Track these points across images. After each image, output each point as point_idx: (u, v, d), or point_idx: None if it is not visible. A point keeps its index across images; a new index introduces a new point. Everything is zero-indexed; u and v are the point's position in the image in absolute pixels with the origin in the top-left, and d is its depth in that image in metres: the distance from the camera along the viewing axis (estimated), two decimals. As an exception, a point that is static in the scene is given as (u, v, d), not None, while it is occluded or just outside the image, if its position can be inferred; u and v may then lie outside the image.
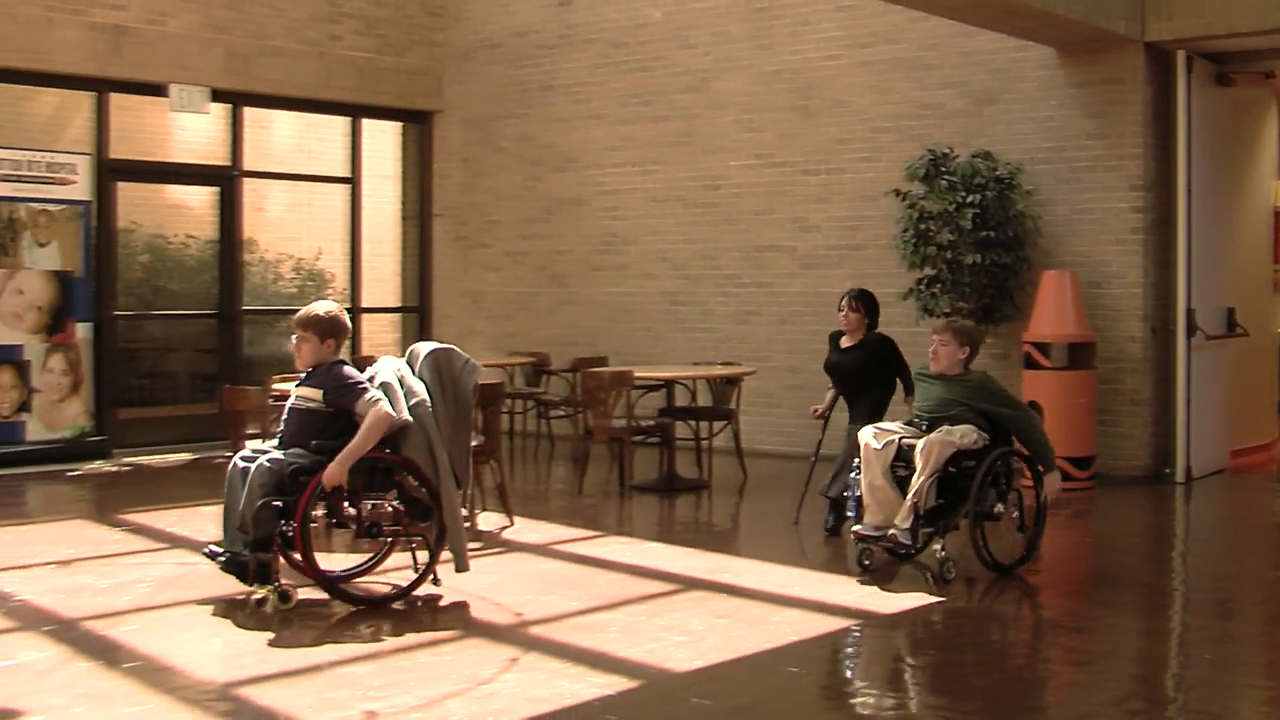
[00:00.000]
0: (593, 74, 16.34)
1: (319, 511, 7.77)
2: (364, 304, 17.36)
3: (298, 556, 7.75)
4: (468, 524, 10.18)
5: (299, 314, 8.15)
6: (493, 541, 9.88)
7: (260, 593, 7.70)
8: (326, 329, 8.04)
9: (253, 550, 7.59)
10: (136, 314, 15.60)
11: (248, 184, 16.35)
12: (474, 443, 10.11)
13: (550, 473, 13.90)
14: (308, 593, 7.90)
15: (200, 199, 16.54)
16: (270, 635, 7.26)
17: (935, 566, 8.52)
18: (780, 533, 10.44)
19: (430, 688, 6.29)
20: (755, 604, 8.01)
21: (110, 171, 14.97)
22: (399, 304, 18.02)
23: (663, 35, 15.73)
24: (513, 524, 10.35)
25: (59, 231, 14.10)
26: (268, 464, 7.67)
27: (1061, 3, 11.53)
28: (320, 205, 17.78)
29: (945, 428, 8.60)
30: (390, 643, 7.18)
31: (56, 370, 14.06)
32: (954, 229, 12.54)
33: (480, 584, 8.37)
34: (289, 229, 17.70)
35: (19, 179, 13.90)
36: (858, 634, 7.62)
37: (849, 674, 7.13)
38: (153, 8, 15.18)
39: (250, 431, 10.33)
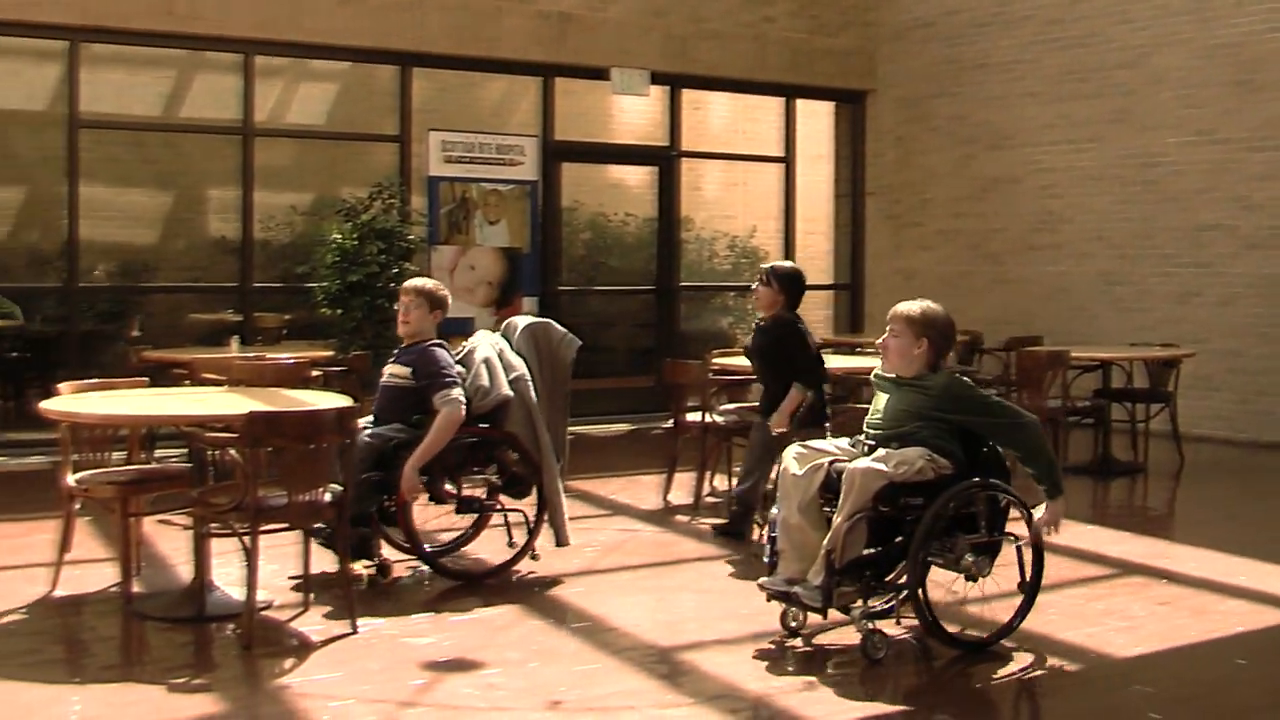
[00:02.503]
0: (1027, 51, 16.14)
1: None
2: (798, 281, 17.54)
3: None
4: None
5: (410, 281, 8.23)
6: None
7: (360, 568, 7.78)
8: (436, 300, 8.04)
9: (352, 525, 7.46)
10: (579, 289, 16.20)
11: (685, 164, 16.75)
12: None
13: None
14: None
15: (639, 178, 17.06)
16: (711, 603, 7.49)
17: (862, 639, 6.45)
18: (1222, 520, 10.20)
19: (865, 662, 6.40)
20: (1197, 592, 7.86)
21: (555, 153, 15.54)
22: (831, 282, 18.18)
23: (1099, 11, 15.42)
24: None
25: (508, 210, 14.73)
26: (369, 439, 7.61)
27: None
28: (754, 184, 18.10)
29: (882, 452, 6.58)
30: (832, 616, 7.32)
31: (505, 342, 14.68)
32: None
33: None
34: (724, 207, 18.10)
35: (471, 160, 14.56)
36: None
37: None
38: (594, -6, 15.73)
39: (690, 404, 10.57)
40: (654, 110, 16.67)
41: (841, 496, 6.38)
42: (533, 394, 8.06)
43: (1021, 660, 6.44)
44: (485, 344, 8.15)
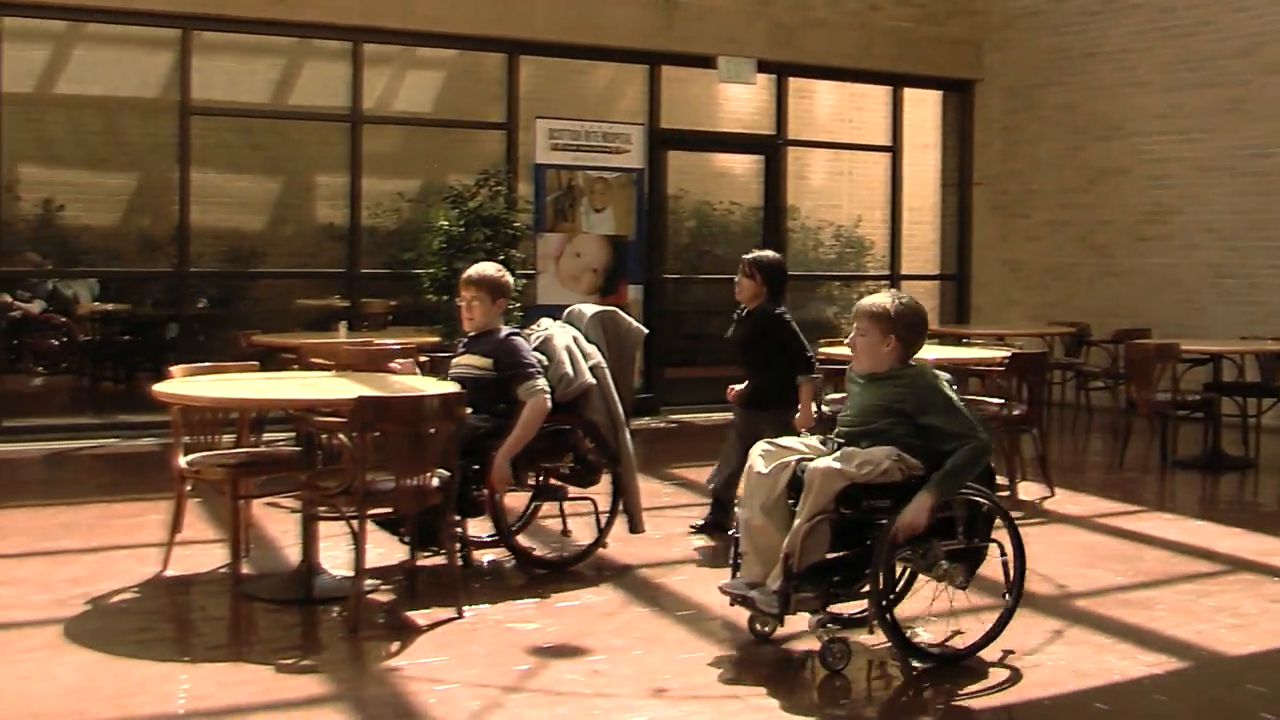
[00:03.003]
0: (1138, 40, 15.93)
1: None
2: (903, 271, 17.47)
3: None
4: (1006, 494, 10.20)
5: (468, 274, 7.97)
6: (1033, 512, 9.83)
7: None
8: (498, 289, 7.89)
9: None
10: (684, 277, 16.21)
11: (791, 152, 16.68)
12: (1015, 411, 10.19)
13: (1088, 444, 13.73)
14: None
15: (745, 167, 17.04)
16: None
17: (820, 648, 6.08)
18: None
19: (977, 654, 6.30)
20: (1310, 590, 7.76)
21: (661, 141, 15.53)
22: (937, 272, 18.05)
23: (1213, -2, 15.23)
24: (1053, 495, 10.28)
25: (614, 198, 14.72)
26: None
27: None
28: (860, 174, 18.03)
29: (846, 450, 6.15)
30: (937, 607, 7.26)
31: (610, 331, 14.71)
32: None
33: (1022, 554, 8.38)
34: (829, 197, 18.05)
35: (577, 148, 14.57)
36: None
37: None
38: (702, -19, 15.70)
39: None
40: (760, 98, 16.63)
41: (801, 497, 6.03)
42: (610, 381, 8.06)
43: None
44: (560, 331, 8.08)
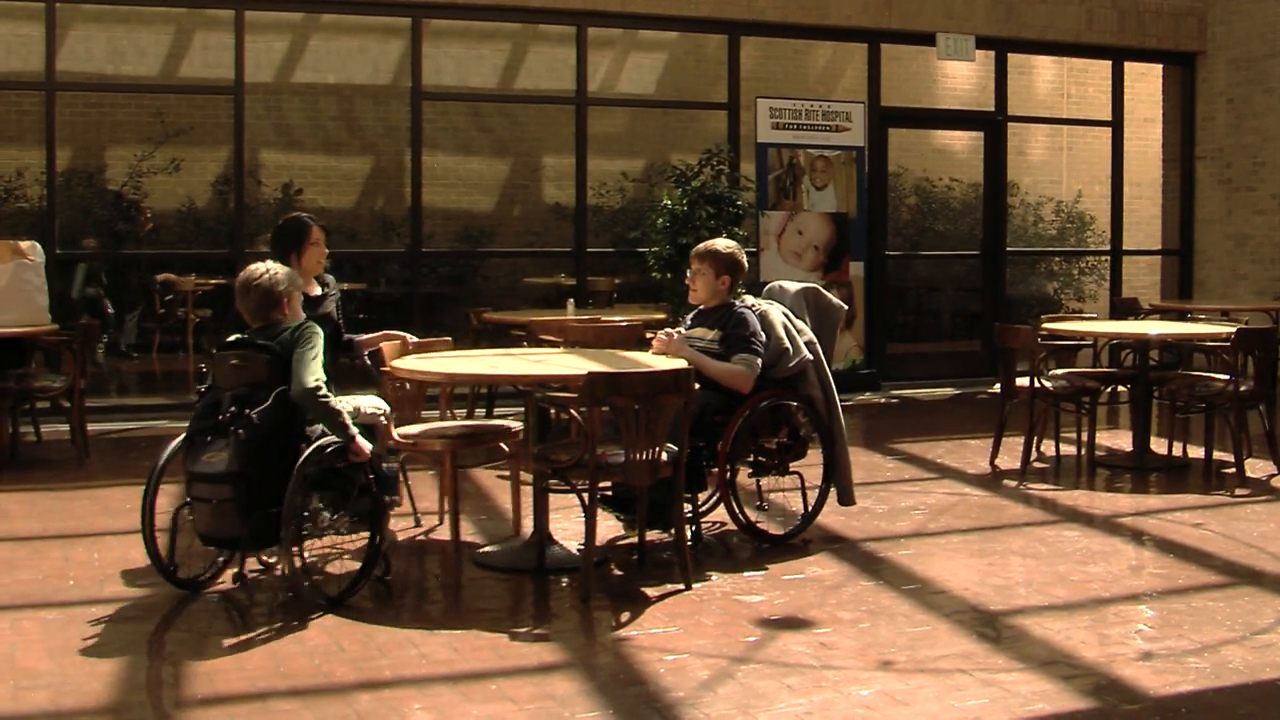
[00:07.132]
0: (1372, 6, 15.50)
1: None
2: (1125, 246, 17.20)
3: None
4: (1233, 469, 10.08)
5: (697, 248, 8.03)
6: (1260, 489, 9.68)
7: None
8: (723, 264, 7.89)
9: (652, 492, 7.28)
10: (905, 254, 16.19)
11: (1010, 128, 16.51)
12: (1242, 388, 10.06)
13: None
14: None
15: (964, 143, 16.95)
16: (1042, 568, 7.49)
17: None
18: None
19: (1204, 633, 6.28)
20: None
21: (882, 118, 15.50)
22: (1159, 247, 17.74)
23: None
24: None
25: (835, 175, 14.77)
26: None
27: None
28: (1079, 149, 17.81)
29: None
30: (1161, 585, 7.22)
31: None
32: None
33: (1249, 532, 8.29)
34: (1049, 172, 17.88)
35: (798, 126, 14.64)
36: None
37: None
38: (925, -42, 15.63)
39: (1020, 369, 10.49)
40: (979, 75, 16.51)
41: None
42: (822, 356, 8.14)
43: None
44: (772, 308, 8.09)
